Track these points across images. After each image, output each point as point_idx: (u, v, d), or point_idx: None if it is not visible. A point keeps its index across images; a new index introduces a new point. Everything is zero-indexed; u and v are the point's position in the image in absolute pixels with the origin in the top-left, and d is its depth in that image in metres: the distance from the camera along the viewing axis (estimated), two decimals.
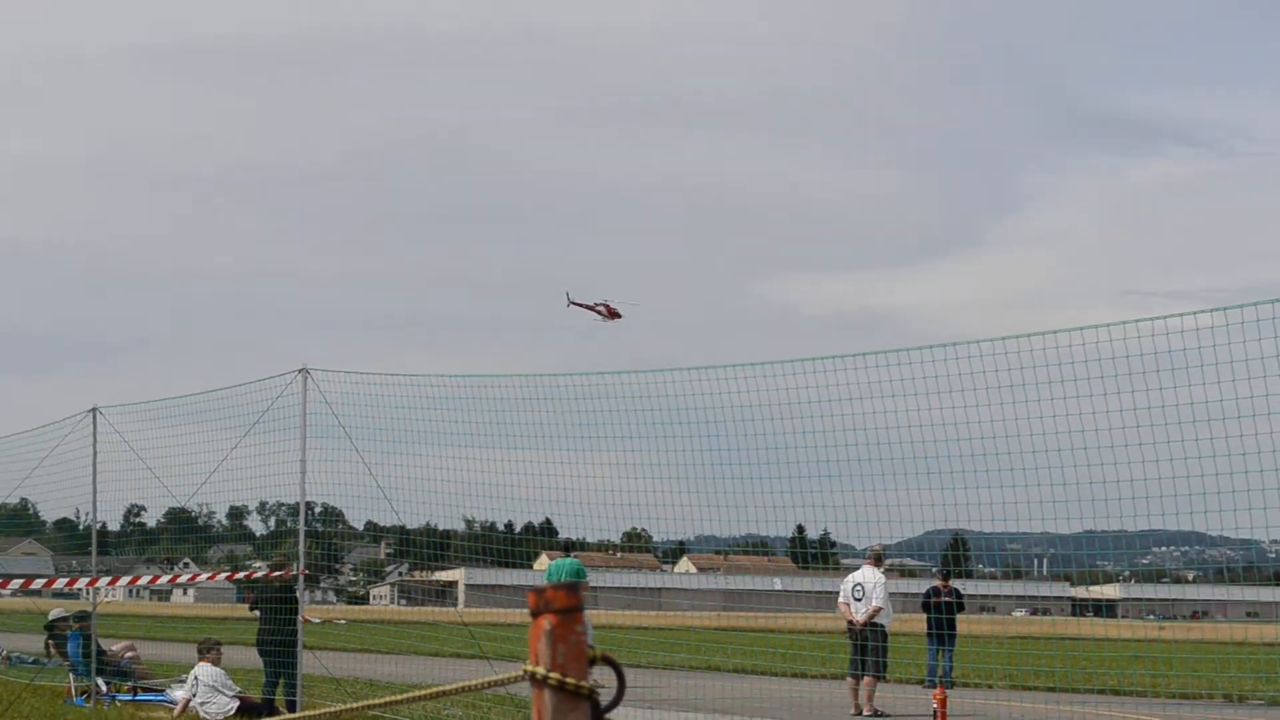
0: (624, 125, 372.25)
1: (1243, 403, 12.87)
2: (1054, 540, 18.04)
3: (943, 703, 21.10)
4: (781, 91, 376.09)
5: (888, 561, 25.79)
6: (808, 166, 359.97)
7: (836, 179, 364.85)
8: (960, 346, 14.95)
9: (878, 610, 24.01)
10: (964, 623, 33.35)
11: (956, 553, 24.15)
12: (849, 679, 24.58)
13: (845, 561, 26.40)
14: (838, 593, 24.68)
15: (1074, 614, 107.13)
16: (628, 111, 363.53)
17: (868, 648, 23.99)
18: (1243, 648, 45.76)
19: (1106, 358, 13.83)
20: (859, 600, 24.17)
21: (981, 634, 36.32)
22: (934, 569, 31.31)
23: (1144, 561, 21.89)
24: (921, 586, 32.76)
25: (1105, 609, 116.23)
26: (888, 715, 23.86)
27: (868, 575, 24.20)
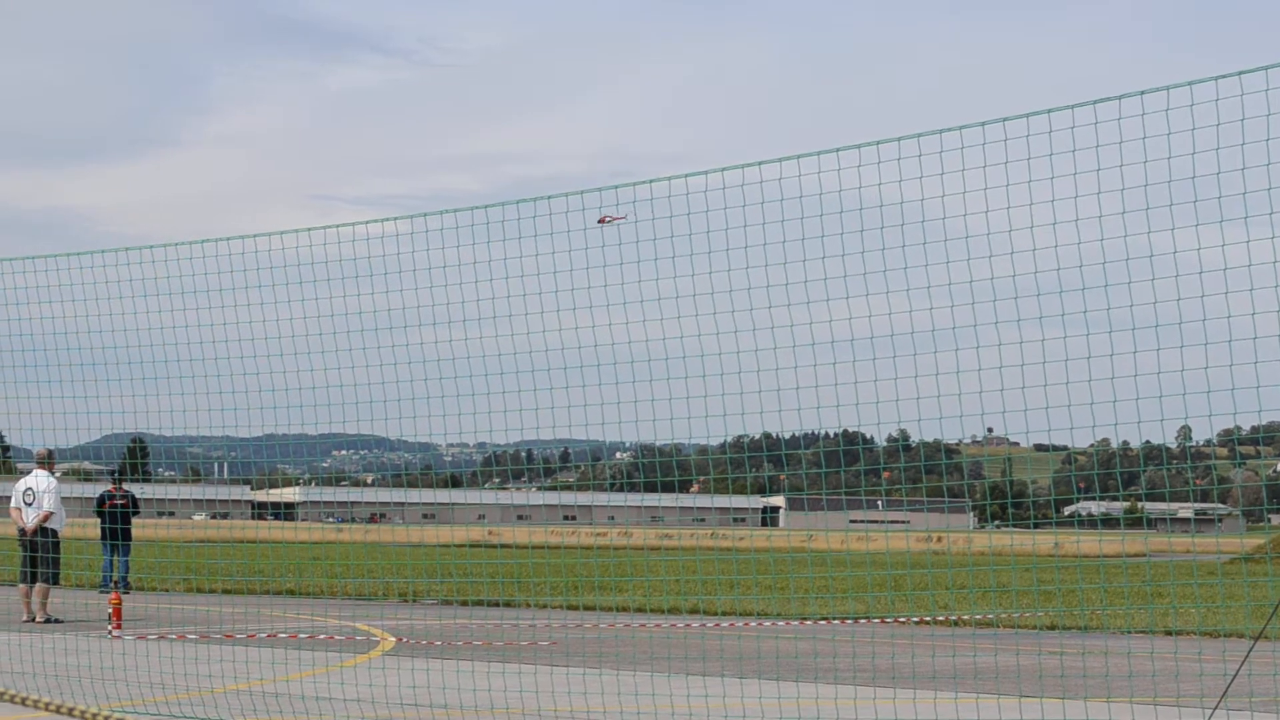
0: None
1: (439, 309, 13.23)
2: (235, 444, 18.08)
3: (118, 607, 20.93)
4: None
5: (64, 465, 25.18)
6: None
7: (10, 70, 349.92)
8: (134, 251, 14.59)
9: (48, 515, 23.52)
10: (142, 527, 32.99)
11: (136, 461, 23.74)
12: (21, 585, 23.95)
13: (21, 466, 25.56)
14: (10, 497, 23.93)
15: (254, 517, 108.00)
16: None
17: (39, 554, 23.40)
18: (419, 549, 47.87)
19: (294, 264, 13.86)
20: (30, 505, 23.57)
21: (161, 538, 36.03)
22: (111, 472, 30.79)
23: (324, 465, 22.31)
24: (99, 490, 32.13)
25: (285, 512, 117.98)
26: (61, 621, 23.36)
27: (38, 480, 23.59)
